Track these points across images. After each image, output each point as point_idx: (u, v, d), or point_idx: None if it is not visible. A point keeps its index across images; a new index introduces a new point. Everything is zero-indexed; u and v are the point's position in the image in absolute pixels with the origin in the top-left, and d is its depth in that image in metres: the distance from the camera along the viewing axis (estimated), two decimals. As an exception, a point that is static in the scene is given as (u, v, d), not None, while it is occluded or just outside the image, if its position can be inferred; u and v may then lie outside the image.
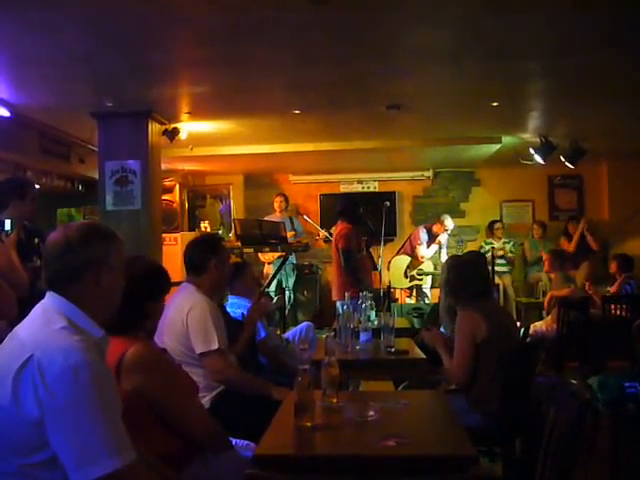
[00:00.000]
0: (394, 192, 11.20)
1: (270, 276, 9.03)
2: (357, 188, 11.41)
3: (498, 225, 10.57)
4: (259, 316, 4.63)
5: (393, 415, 2.84)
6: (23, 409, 1.76)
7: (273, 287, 9.29)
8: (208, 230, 9.95)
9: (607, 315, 6.98)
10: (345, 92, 6.32)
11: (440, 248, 9.72)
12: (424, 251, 9.57)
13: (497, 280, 9.65)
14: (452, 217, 9.96)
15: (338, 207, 7.31)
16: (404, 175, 11.31)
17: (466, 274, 3.98)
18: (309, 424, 2.59)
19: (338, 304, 6.75)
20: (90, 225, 2.09)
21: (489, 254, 9.30)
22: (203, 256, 3.91)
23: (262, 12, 4.21)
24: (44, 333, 1.87)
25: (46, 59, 5.06)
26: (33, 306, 1.99)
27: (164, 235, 7.94)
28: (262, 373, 4.38)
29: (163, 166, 7.61)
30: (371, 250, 7.26)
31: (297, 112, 7.00)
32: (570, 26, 4.54)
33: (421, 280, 9.64)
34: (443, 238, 9.72)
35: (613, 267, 7.73)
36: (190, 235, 8.07)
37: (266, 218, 9.26)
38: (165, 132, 7.25)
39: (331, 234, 7.92)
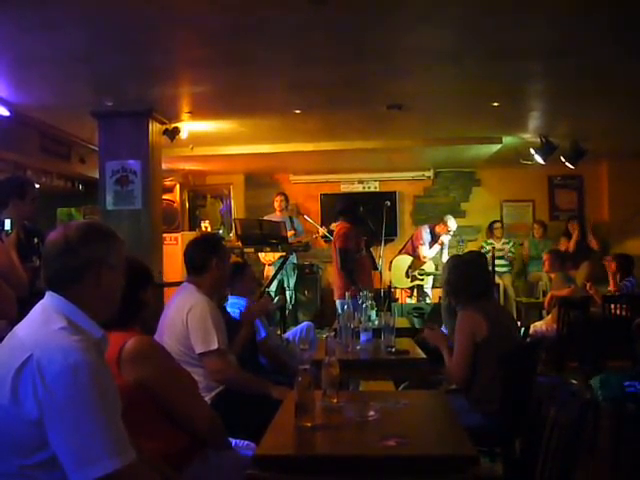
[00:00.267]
0: (395, 192, 11.19)
1: (271, 276, 9.03)
2: (358, 188, 11.41)
3: (497, 225, 10.57)
4: (258, 315, 4.63)
5: (393, 415, 2.84)
6: (22, 409, 1.75)
7: (274, 287, 9.29)
8: (209, 230, 9.96)
9: (607, 315, 6.98)
10: (346, 92, 6.32)
11: (442, 248, 9.71)
12: (426, 251, 9.56)
13: (497, 280, 9.65)
14: (453, 217, 9.97)
15: (338, 206, 7.33)
16: (405, 175, 11.31)
17: (467, 274, 3.98)
18: (309, 424, 2.59)
19: (338, 303, 6.77)
20: (90, 225, 2.08)
21: (489, 254, 9.30)
22: (204, 256, 3.90)
23: (263, 12, 4.21)
24: (43, 333, 1.86)
25: (46, 58, 5.06)
26: (33, 306, 1.99)
27: (164, 235, 7.95)
28: (262, 373, 4.38)
29: (164, 166, 7.62)
30: (372, 250, 7.25)
31: (298, 112, 7.00)
32: (570, 26, 4.54)
33: (422, 280, 9.63)
34: (445, 239, 9.71)
35: (612, 267, 7.72)
36: (190, 235, 8.06)
37: (266, 218, 9.26)
38: (166, 132, 7.25)
39: (330, 232, 7.92)
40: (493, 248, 9.81)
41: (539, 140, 8.28)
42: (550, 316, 7.47)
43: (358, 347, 4.65)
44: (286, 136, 8.49)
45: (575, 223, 10.35)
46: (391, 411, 2.87)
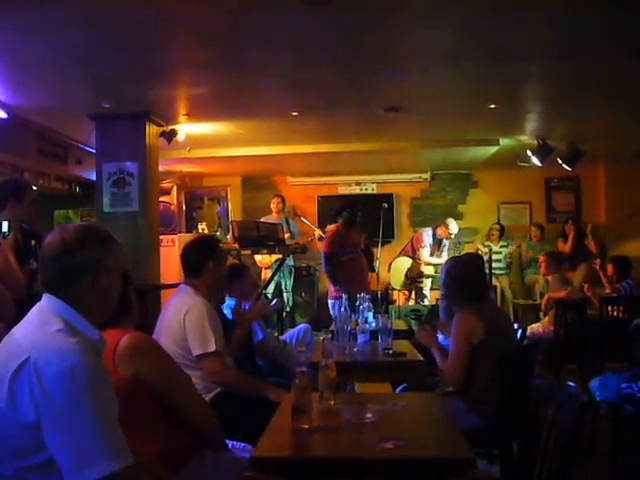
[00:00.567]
0: (392, 194, 11.20)
1: (268, 279, 9.03)
2: (355, 190, 11.41)
3: (494, 227, 10.58)
4: (256, 318, 4.63)
5: (391, 417, 2.84)
6: (19, 412, 1.75)
7: (271, 289, 9.29)
8: (206, 232, 9.96)
9: (604, 316, 6.99)
10: (343, 94, 6.33)
11: (441, 252, 9.69)
12: (427, 256, 9.47)
13: (494, 282, 9.65)
14: (454, 220, 9.97)
15: (336, 207, 7.37)
16: (402, 177, 11.32)
17: (464, 276, 3.98)
18: (306, 426, 2.59)
19: (329, 303, 6.88)
20: (87, 227, 2.08)
21: (487, 256, 9.30)
22: (201, 258, 3.90)
23: (260, 14, 4.21)
24: (40, 335, 1.86)
25: (44, 60, 5.06)
26: (30, 308, 1.99)
27: (161, 237, 7.94)
28: (259, 375, 4.38)
29: (161, 168, 7.61)
30: (372, 251, 7.23)
31: (295, 114, 7.00)
32: (568, 28, 4.55)
33: (421, 282, 9.62)
34: (446, 241, 9.70)
35: (610, 269, 7.73)
36: (188, 237, 8.05)
37: (262, 219, 9.26)
38: (163, 134, 7.25)
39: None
40: (490, 250, 9.81)
41: (536, 142, 8.30)
42: (547, 318, 7.48)
43: (355, 349, 4.64)
44: (283, 138, 8.49)
45: (572, 225, 10.36)
46: (388, 413, 2.87)
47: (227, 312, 4.72)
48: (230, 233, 9.56)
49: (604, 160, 10.40)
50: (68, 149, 8.06)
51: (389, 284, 9.60)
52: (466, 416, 3.55)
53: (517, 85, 6.17)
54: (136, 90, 6.09)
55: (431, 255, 9.62)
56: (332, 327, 5.04)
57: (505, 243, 10.46)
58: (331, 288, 7.07)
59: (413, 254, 9.61)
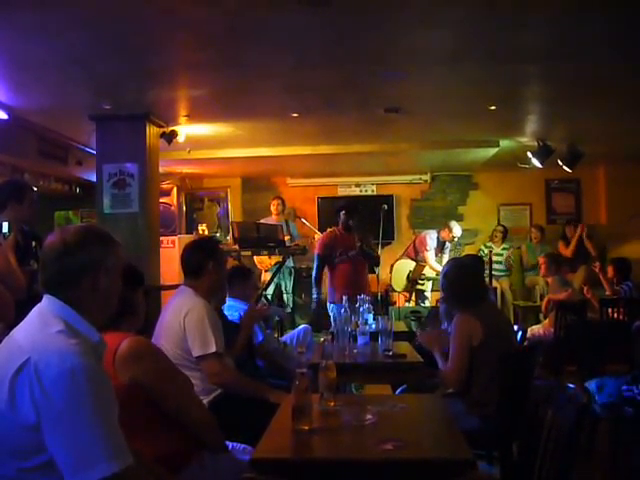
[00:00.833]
0: (392, 195, 11.21)
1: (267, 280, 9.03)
2: (355, 191, 11.41)
3: (497, 229, 10.58)
4: (257, 320, 4.63)
5: (391, 419, 2.84)
6: (20, 413, 1.75)
7: (271, 291, 9.29)
8: (206, 233, 9.96)
9: (605, 318, 6.99)
10: (343, 95, 6.33)
11: (444, 254, 9.67)
12: (433, 261, 9.36)
13: (495, 283, 9.64)
14: (449, 220, 9.96)
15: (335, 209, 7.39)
16: (402, 178, 11.32)
17: (462, 279, 3.99)
18: (307, 428, 2.59)
19: (328, 306, 6.91)
20: (87, 228, 2.08)
21: (487, 257, 9.30)
22: (201, 259, 3.90)
23: (260, 15, 4.21)
24: (41, 336, 1.86)
25: (44, 62, 5.06)
26: (30, 309, 1.99)
27: (162, 238, 7.94)
28: (259, 376, 4.38)
29: (161, 169, 7.62)
30: (371, 251, 7.19)
31: (295, 115, 7.00)
32: (568, 30, 4.55)
33: (423, 285, 9.61)
34: (449, 244, 9.68)
35: (610, 271, 7.73)
36: (188, 238, 8.06)
37: (262, 221, 9.26)
38: (163, 135, 7.25)
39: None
40: (490, 252, 9.80)
41: (536, 143, 8.30)
42: (547, 320, 7.48)
43: (355, 350, 4.65)
44: (283, 139, 8.50)
45: (573, 227, 10.35)
46: (388, 415, 2.87)
47: (228, 313, 4.73)
48: (230, 234, 9.57)
49: (604, 161, 10.41)
50: (68, 150, 8.06)
51: (389, 286, 9.59)
52: (466, 417, 3.55)
53: (517, 86, 6.18)
54: (136, 91, 6.09)
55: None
56: (331, 328, 5.04)
57: (507, 245, 10.46)
58: (330, 290, 7.07)
59: (415, 256, 9.58)
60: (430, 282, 9.56)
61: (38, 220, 4.95)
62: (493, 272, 9.36)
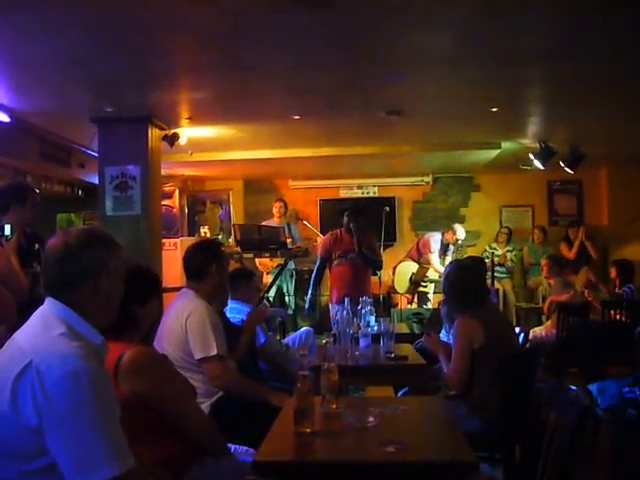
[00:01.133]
0: (394, 197, 11.20)
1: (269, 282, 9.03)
2: (357, 193, 11.42)
3: (502, 230, 10.58)
4: (258, 322, 4.63)
5: (393, 421, 2.84)
6: (22, 416, 1.75)
7: (272, 293, 9.29)
8: (208, 235, 9.97)
9: (607, 320, 6.98)
10: (345, 97, 6.32)
11: (447, 256, 9.67)
12: (437, 264, 9.33)
13: (497, 285, 9.64)
14: (452, 222, 9.95)
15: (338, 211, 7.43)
16: (404, 180, 11.31)
17: (462, 281, 3.99)
18: (309, 430, 2.59)
19: (330, 308, 6.94)
20: (89, 231, 2.08)
21: (489, 259, 9.29)
22: (203, 261, 3.91)
23: (262, 17, 4.21)
24: (43, 339, 1.86)
25: (45, 64, 5.06)
26: (33, 311, 1.99)
27: (164, 240, 7.95)
28: (261, 378, 4.38)
29: (163, 171, 7.62)
30: (372, 254, 7.19)
31: (297, 117, 7.00)
32: (570, 30, 4.55)
33: (426, 287, 9.60)
34: (452, 247, 9.68)
35: (612, 273, 7.72)
36: (190, 240, 8.07)
37: (264, 223, 9.26)
38: (165, 137, 7.25)
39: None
40: (493, 253, 9.79)
41: (538, 145, 8.29)
42: (550, 321, 7.47)
43: (357, 353, 4.64)
44: (285, 142, 8.49)
45: (575, 229, 10.35)
46: (390, 417, 2.87)
47: (230, 315, 4.73)
48: (232, 236, 9.57)
49: (606, 163, 10.39)
50: (70, 152, 8.07)
51: (391, 287, 9.59)
52: (468, 419, 3.55)
53: (519, 88, 6.17)
54: (138, 94, 6.09)
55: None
56: (333, 330, 5.04)
57: (510, 248, 10.46)
58: (332, 292, 7.12)
59: (419, 258, 9.57)
60: (433, 284, 9.55)
61: (40, 223, 4.95)
62: (495, 274, 9.35)
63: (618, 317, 6.96)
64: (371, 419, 2.75)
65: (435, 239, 9.49)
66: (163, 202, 8.60)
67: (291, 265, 9.56)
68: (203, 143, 8.17)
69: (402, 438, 2.53)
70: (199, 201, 11.53)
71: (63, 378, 1.75)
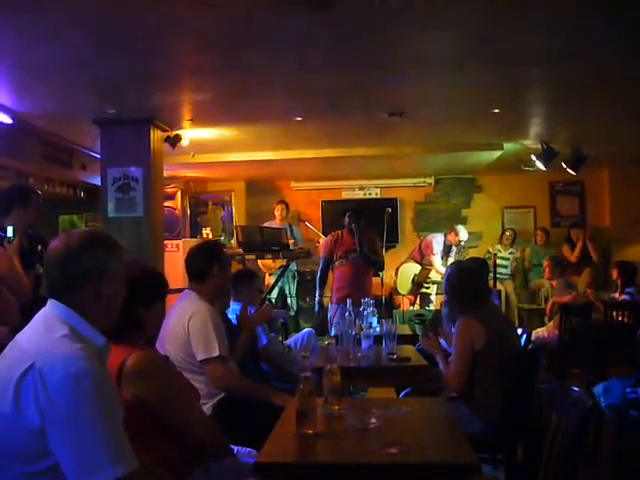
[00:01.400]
0: (396, 198, 11.20)
1: (271, 284, 9.04)
2: (359, 195, 11.41)
3: (508, 232, 10.58)
4: (260, 323, 4.63)
5: (395, 422, 2.84)
6: (24, 418, 1.75)
7: (275, 294, 9.30)
8: (210, 237, 9.97)
9: (609, 321, 6.98)
10: (347, 99, 6.33)
11: (449, 257, 9.66)
12: (439, 265, 9.33)
13: (499, 286, 9.63)
14: (454, 224, 9.95)
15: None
16: (406, 182, 11.31)
17: (463, 282, 3.98)
18: (311, 432, 2.59)
19: (330, 308, 6.95)
20: (91, 233, 2.09)
21: (491, 260, 9.28)
22: (205, 263, 3.91)
23: (263, 18, 4.22)
24: (45, 341, 1.87)
25: (47, 66, 5.07)
26: (35, 313, 1.99)
27: (166, 242, 7.95)
28: (263, 380, 4.38)
29: (165, 173, 7.62)
30: (374, 255, 7.19)
31: (299, 119, 7.01)
32: (571, 32, 4.55)
33: (428, 288, 9.59)
34: (455, 248, 9.67)
35: (614, 274, 7.71)
36: (192, 242, 8.07)
37: (266, 225, 9.26)
38: (167, 139, 7.26)
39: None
40: (495, 255, 9.78)
41: (540, 146, 8.28)
42: (552, 323, 7.46)
43: (359, 354, 4.64)
44: (287, 143, 8.49)
45: (578, 230, 10.34)
46: (392, 418, 2.87)
47: (232, 317, 4.72)
48: (234, 238, 9.57)
49: (609, 164, 10.39)
50: (73, 154, 8.08)
51: (393, 289, 9.59)
52: (470, 421, 3.55)
53: (521, 89, 6.17)
54: (140, 95, 6.10)
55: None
56: (332, 332, 5.04)
57: (513, 250, 10.45)
58: (333, 292, 7.14)
59: (421, 259, 9.56)
60: (435, 286, 9.55)
61: (42, 224, 4.96)
62: (497, 275, 9.35)
63: (620, 318, 6.95)
64: (373, 420, 2.75)
65: (437, 240, 9.48)
66: (165, 203, 8.61)
67: (293, 266, 9.56)
68: (205, 144, 8.18)
69: (404, 439, 2.53)
70: (201, 202, 11.54)
71: (65, 380, 1.75)
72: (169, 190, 10.14)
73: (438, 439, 2.76)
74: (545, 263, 8.04)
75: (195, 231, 10.95)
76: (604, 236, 10.48)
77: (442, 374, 3.95)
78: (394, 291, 9.61)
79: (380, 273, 7.63)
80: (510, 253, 10.43)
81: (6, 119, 6.22)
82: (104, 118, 6.66)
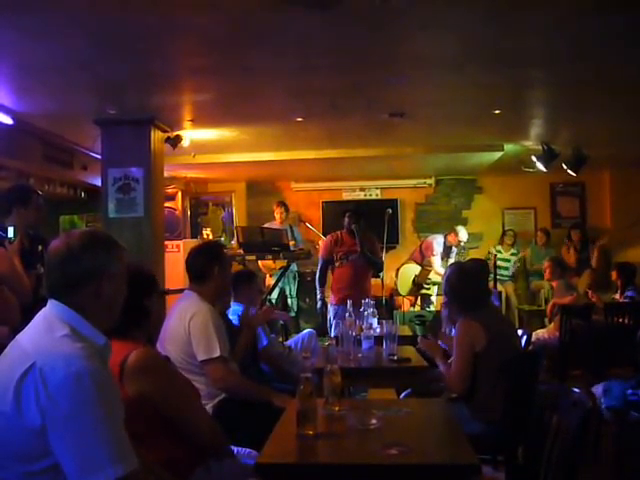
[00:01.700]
0: (396, 199, 11.20)
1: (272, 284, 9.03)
2: (359, 195, 11.41)
3: (509, 233, 10.58)
4: (261, 324, 4.63)
5: (395, 423, 2.84)
6: (25, 417, 1.75)
7: (275, 295, 9.30)
8: (210, 237, 9.96)
9: (610, 322, 6.97)
10: (348, 100, 6.32)
11: (450, 258, 9.66)
12: (439, 266, 9.33)
13: (499, 287, 9.62)
14: (454, 224, 9.95)
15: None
16: (406, 182, 11.31)
17: (463, 284, 3.98)
18: (311, 432, 2.59)
19: (329, 309, 6.95)
20: (92, 233, 2.09)
21: (491, 261, 9.28)
22: (205, 264, 3.91)
23: (264, 19, 4.22)
24: (46, 341, 1.87)
25: (48, 66, 5.07)
26: (36, 313, 1.99)
27: (166, 242, 7.95)
28: (264, 381, 4.38)
29: (166, 173, 7.63)
30: (374, 256, 7.20)
31: (300, 119, 7.01)
32: (572, 33, 4.55)
33: (429, 289, 9.59)
34: (455, 249, 9.67)
35: (614, 275, 7.71)
36: (192, 242, 8.07)
37: (266, 225, 9.25)
38: (168, 139, 7.26)
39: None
40: (495, 256, 9.78)
41: (541, 147, 8.28)
42: (552, 324, 7.46)
43: (360, 355, 4.64)
44: (288, 144, 8.50)
45: (578, 232, 10.34)
46: (393, 419, 2.87)
47: (233, 317, 4.72)
48: (235, 239, 9.57)
49: (609, 165, 10.39)
50: (73, 155, 8.08)
51: (394, 290, 9.58)
52: (471, 422, 3.55)
53: (521, 90, 6.17)
54: (141, 96, 6.10)
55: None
56: (332, 333, 5.04)
57: (515, 251, 10.45)
58: (333, 293, 7.15)
59: (421, 260, 9.56)
60: (435, 286, 9.55)
61: (43, 224, 4.96)
62: (498, 276, 9.34)
63: (621, 319, 6.95)
64: (374, 421, 2.75)
65: (438, 241, 9.48)
66: (166, 204, 8.62)
67: (293, 267, 9.56)
68: (206, 145, 8.19)
69: (405, 440, 2.53)
70: (202, 203, 11.55)
71: (66, 379, 1.75)
72: (170, 191, 10.15)
73: (439, 440, 2.75)
74: (545, 264, 8.04)
75: (195, 232, 10.95)
76: (604, 237, 10.47)
77: (442, 375, 3.95)
78: (394, 292, 9.61)
79: (379, 274, 7.63)
80: (512, 254, 10.43)
81: (7, 120, 6.22)
82: (105, 118, 6.66)
